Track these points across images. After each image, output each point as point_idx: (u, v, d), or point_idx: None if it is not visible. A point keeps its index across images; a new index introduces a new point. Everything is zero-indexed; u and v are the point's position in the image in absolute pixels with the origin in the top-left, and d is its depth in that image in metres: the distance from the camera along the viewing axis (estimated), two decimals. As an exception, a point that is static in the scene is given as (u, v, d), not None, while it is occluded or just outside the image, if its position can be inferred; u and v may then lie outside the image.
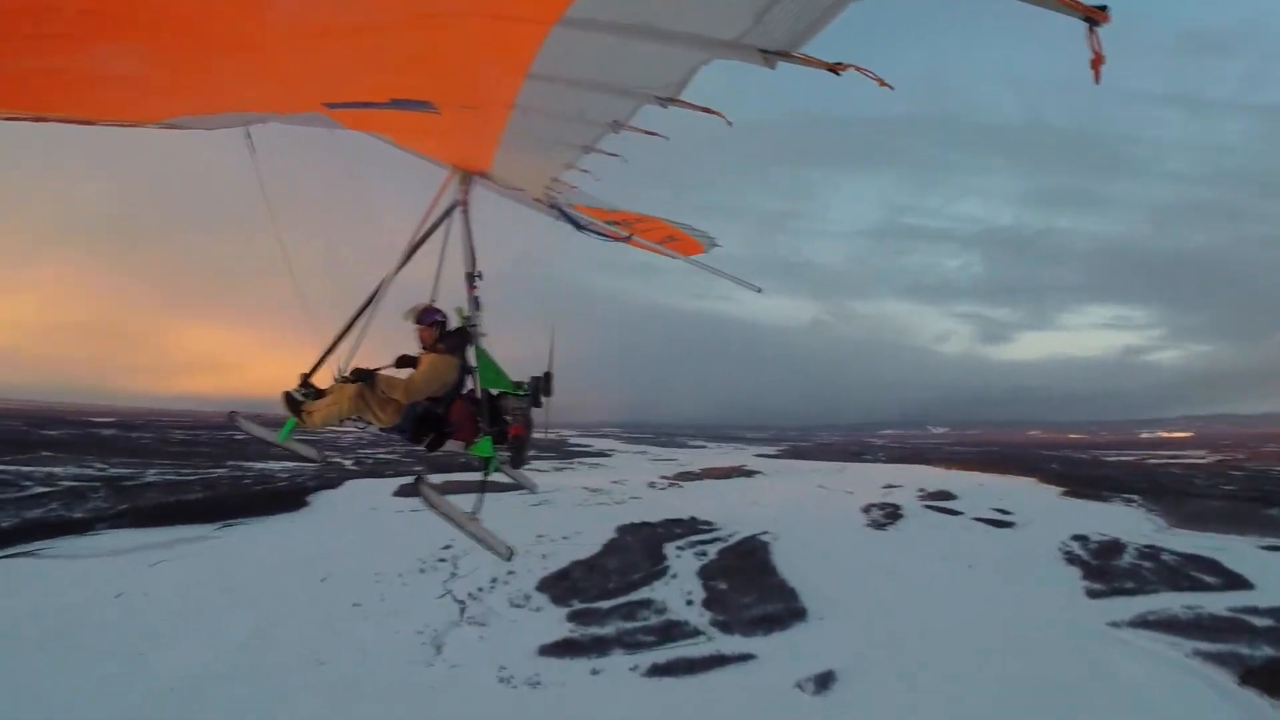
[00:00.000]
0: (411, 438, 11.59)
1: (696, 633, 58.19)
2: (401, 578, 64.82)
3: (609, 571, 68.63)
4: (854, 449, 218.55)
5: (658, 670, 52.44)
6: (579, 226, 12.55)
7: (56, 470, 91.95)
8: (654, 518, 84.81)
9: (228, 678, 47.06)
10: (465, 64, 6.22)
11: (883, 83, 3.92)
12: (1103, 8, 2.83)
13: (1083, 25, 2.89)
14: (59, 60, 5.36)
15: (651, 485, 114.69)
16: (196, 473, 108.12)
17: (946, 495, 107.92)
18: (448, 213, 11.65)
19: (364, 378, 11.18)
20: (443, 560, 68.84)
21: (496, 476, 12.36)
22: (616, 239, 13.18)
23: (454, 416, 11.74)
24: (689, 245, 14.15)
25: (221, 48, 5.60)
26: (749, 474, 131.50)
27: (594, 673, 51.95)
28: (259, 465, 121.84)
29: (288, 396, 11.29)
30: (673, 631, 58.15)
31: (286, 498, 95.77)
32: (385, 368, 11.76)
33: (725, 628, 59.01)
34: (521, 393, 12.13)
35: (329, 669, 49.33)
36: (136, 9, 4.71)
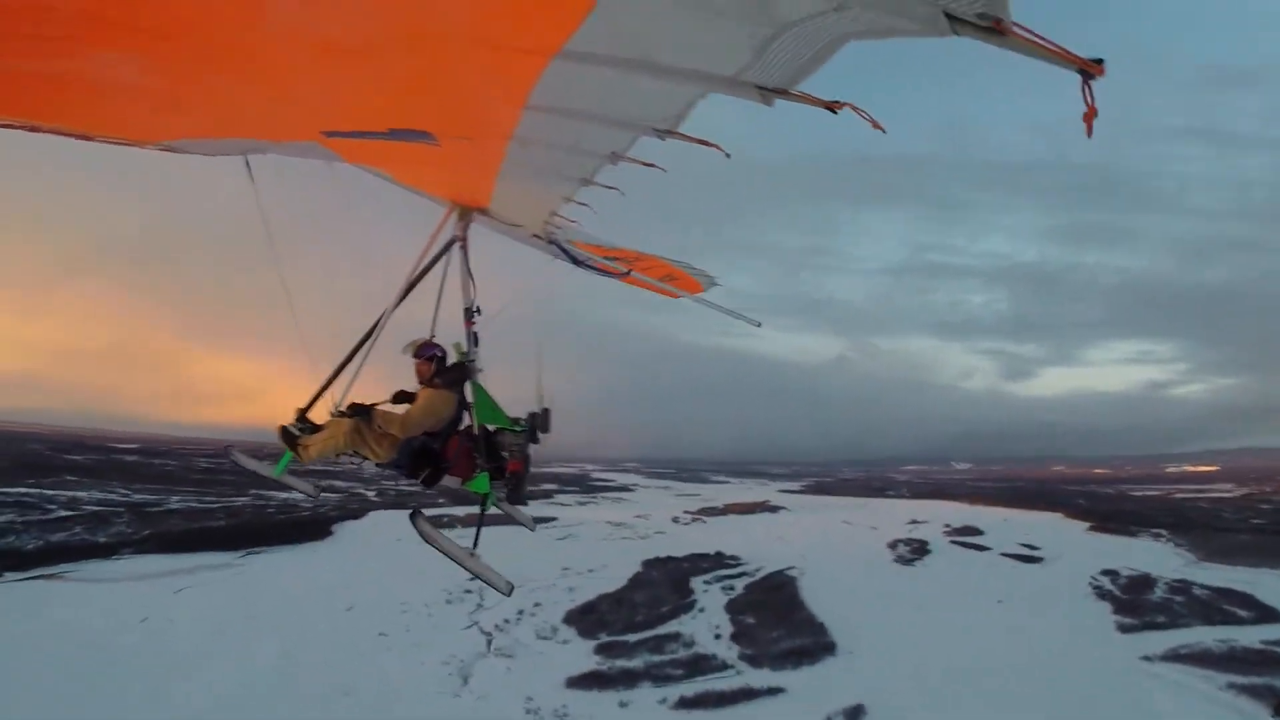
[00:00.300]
0: (408, 473, 11.36)
1: (725, 666, 57.82)
2: (428, 608, 64.43)
3: (636, 605, 68.11)
4: (877, 485, 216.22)
5: (686, 703, 52.20)
6: (577, 262, 12.33)
7: (80, 494, 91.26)
8: (679, 552, 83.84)
9: (253, 706, 46.82)
10: (464, 94, 6.19)
11: (875, 124, 3.94)
12: (1098, 61, 2.81)
13: (1077, 78, 2.85)
14: (56, 64, 5.33)
15: (675, 520, 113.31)
16: (219, 500, 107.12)
17: (973, 530, 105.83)
18: (446, 249, 11.49)
19: (360, 413, 11.00)
20: (469, 591, 68.43)
21: (492, 509, 11.82)
22: (615, 275, 13.08)
23: (451, 452, 11.50)
24: (689, 284, 14.06)
25: (221, 58, 5.54)
26: (773, 509, 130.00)
27: (622, 705, 51.73)
28: (282, 495, 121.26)
29: (284, 431, 11.08)
30: (701, 665, 57.74)
31: (310, 527, 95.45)
32: (382, 403, 11.61)
33: (754, 661, 58.54)
34: (519, 429, 11.94)
35: (355, 699, 49.05)
36: (134, 13, 4.62)
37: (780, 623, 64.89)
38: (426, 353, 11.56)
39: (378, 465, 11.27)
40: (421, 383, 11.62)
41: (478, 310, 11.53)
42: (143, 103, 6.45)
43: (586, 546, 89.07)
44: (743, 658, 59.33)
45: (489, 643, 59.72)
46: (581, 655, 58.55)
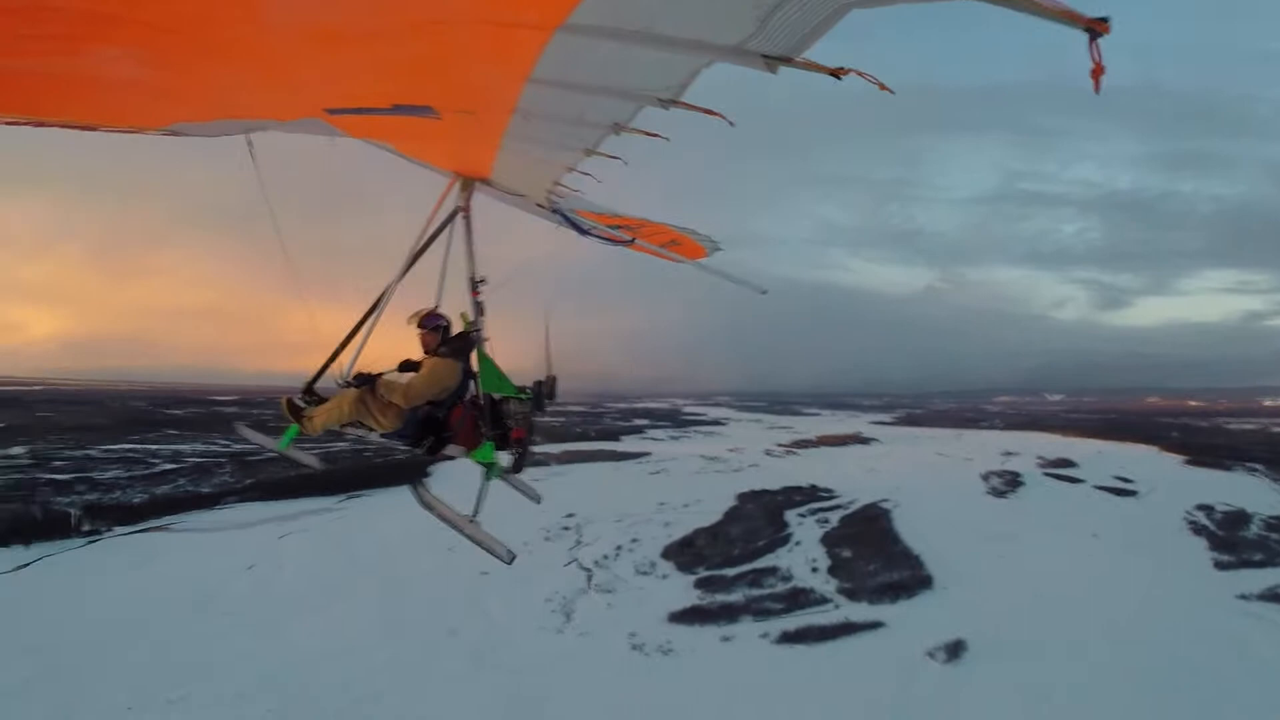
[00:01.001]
0: (412, 442, 11.72)
1: (824, 600, 57.48)
2: (527, 546, 64.79)
3: (732, 539, 68.01)
4: (969, 416, 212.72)
5: (788, 637, 51.86)
6: (582, 231, 11.82)
7: (183, 448, 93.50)
8: (773, 485, 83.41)
9: (363, 648, 47.65)
10: (467, 69, 6.15)
11: (883, 86, 3.92)
12: (1104, 19, 2.77)
13: (1084, 36, 2.83)
14: (59, 62, 5.33)
15: (768, 453, 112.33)
16: (317, 446, 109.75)
17: (1066, 463, 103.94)
18: (450, 219, 11.62)
19: (364, 382, 11.18)
20: (566, 529, 68.96)
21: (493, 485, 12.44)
22: (620, 243, 12.85)
23: (455, 421, 11.77)
24: (692, 249, 14.03)
25: (222, 51, 5.54)
26: (865, 441, 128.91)
27: (724, 640, 51.54)
28: (378, 439, 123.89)
29: (289, 404, 11.36)
30: (800, 599, 57.47)
31: (406, 470, 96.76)
32: (387, 372, 11.75)
33: (852, 595, 58.16)
34: (524, 397, 12.01)
35: (461, 638, 49.63)
36: (137, 10, 4.62)
37: (876, 556, 64.42)
38: (431, 323, 11.82)
39: (382, 435, 11.66)
40: (427, 352, 11.89)
41: (482, 279, 11.61)
42: (145, 92, 6.44)
43: (680, 481, 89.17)
44: (841, 591, 58.94)
45: (589, 579, 60.22)
46: (681, 590, 58.72)
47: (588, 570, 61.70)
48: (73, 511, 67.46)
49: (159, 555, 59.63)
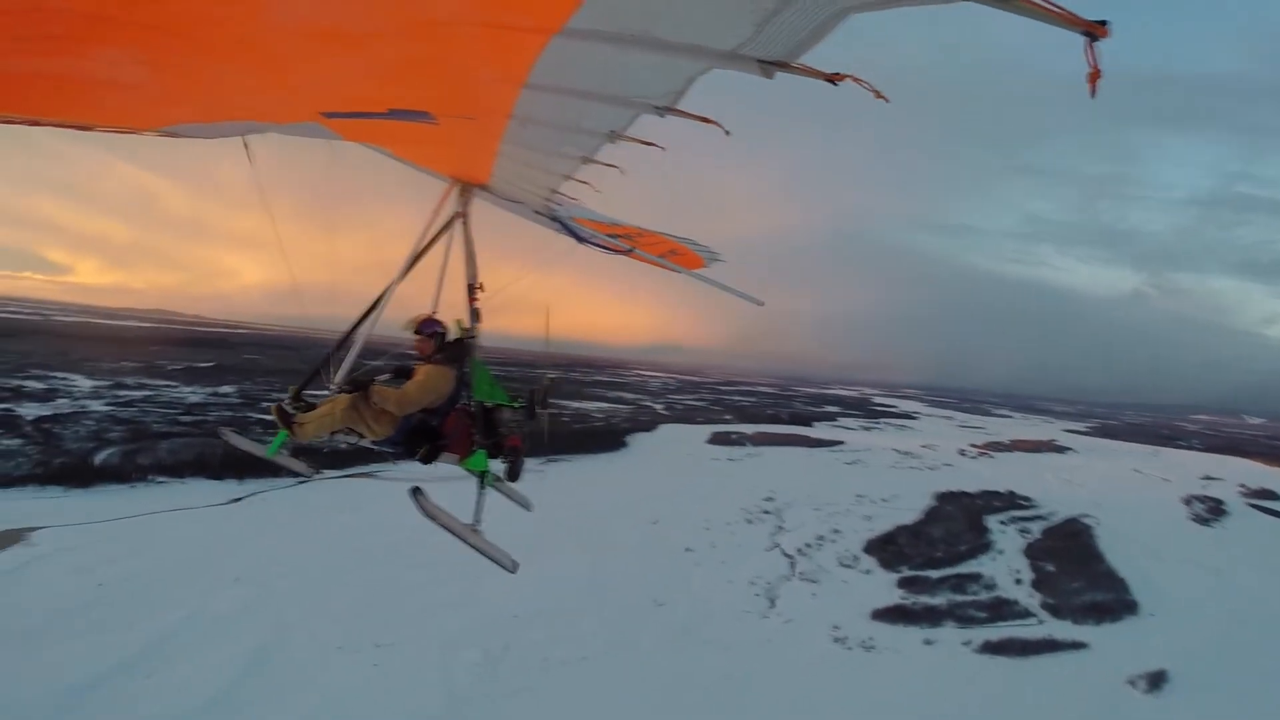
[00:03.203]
0: (405, 450, 11.10)
1: (1027, 614, 55.84)
2: (729, 526, 64.73)
3: (934, 540, 66.36)
4: (1165, 433, 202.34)
5: (990, 648, 50.72)
6: (581, 239, 11.72)
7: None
8: (971, 488, 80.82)
9: (569, 611, 47.86)
10: (463, 74, 5.86)
11: (879, 95, 3.76)
12: (1102, 22, 2.64)
13: (1081, 39, 2.69)
14: (55, 63, 5.02)
15: (962, 453, 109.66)
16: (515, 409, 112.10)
17: (1271, 495, 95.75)
18: (448, 224, 11.23)
19: (357, 388, 10.52)
20: (767, 513, 68.55)
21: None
22: (618, 252, 12.23)
23: (449, 429, 11.22)
24: (690, 259, 13.38)
25: (219, 53, 5.23)
26: (1060, 450, 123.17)
27: (927, 643, 50.64)
28: (576, 405, 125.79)
29: (279, 410, 10.72)
30: (1003, 610, 55.98)
31: (605, 437, 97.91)
32: (380, 379, 11.02)
33: (1056, 612, 56.25)
34: (517, 405, 11.72)
35: (667, 612, 49.58)
36: (135, 11, 4.29)
37: (1080, 574, 61.16)
38: (427, 329, 11.29)
39: (374, 443, 11.07)
40: (422, 359, 11.34)
41: (480, 286, 11.44)
42: (142, 94, 6.11)
43: (876, 474, 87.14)
44: (1045, 607, 56.69)
45: (792, 566, 59.39)
46: (884, 587, 57.42)
47: (790, 557, 60.76)
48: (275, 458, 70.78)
49: (365, 501, 61.52)
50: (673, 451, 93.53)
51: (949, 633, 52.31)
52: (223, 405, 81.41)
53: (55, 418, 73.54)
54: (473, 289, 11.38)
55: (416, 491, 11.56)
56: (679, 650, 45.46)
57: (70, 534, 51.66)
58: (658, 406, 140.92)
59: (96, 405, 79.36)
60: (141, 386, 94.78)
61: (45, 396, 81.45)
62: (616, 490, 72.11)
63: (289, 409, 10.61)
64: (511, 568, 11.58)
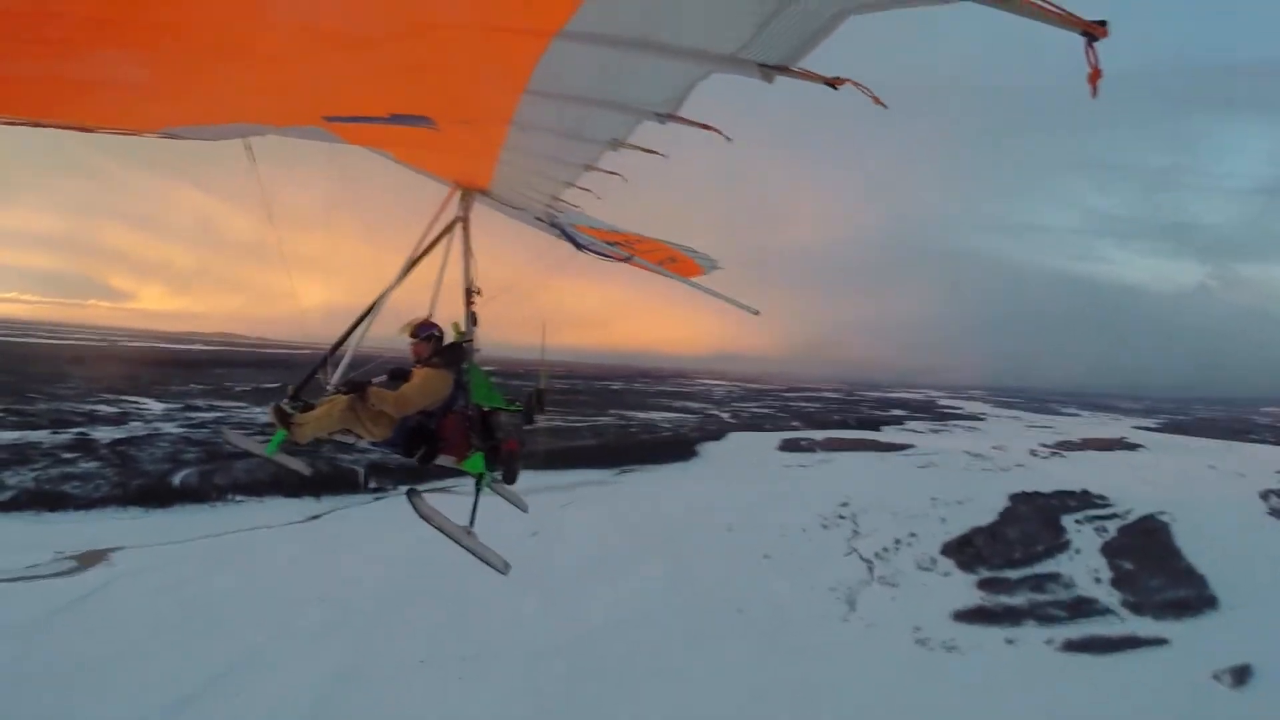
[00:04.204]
0: (403, 452, 11.15)
1: (1107, 611, 55.21)
2: (805, 533, 64.42)
3: (1011, 541, 65.59)
4: (1238, 427, 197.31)
5: (1073, 646, 50.32)
6: (579, 246, 11.88)
7: None
8: (1045, 488, 78.86)
9: (652, 621, 47.94)
10: (464, 78, 5.89)
11: (876, 100, 3.76)
12: (1101, 22, 2.69)
13: (1080, 40, 2.75)
14: (56, 66, 5.14)
15: (1033, 453, 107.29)
16: (584, 419, 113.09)
17: None
18: (448, 229, 11.33)
19: (354, 390, 10.61)
20: (842, 518, 68.04)
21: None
22: (616, 259, 12.59)
23: (446, 432, 11.28)
24: (689, 267, 13.50)
25: (220, 56, 5.34)
26: (1130, 447, 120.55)
27: (1009, 642, 50.27)
28: (642, 415, 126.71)
29: (277, 410, 10.75)
30: (1083, 608, 55.42)
31: (676, 447, 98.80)
32: (378, 380, 11.19)
33: (1136, 609, 55.49)
34: (514, 409, 11.87)
35: (748, 619, 49.47)
36: (136, 14, 4.40)
37: (1158, 571, 60.26)
38: (424, 332, 11.36)
39: (372, 444, 11.14)
40: (419, 362, 11.40)
41: (477, 291, 11.55)
42: (143, 96, 6.27)
43: (949, 476, 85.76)
44: (1125, 604, 55.96)
45: (870, 570, 59.11)
46: (963, 588, 57.05)
47: (868, 561, 60.44)
48: (359, 469, 71.22)
49: (444, 514, 61.46)
50: (744, 459, 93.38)
51: (1030, 631, 51.95)
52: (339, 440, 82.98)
53: (130, 440, 75.19)
54: (470, 293, 11.61)
55: (412, 493, 11.91)
56: (763, 658, 45.33)
57: (151, 554, 52.70)
58: (724, 415, 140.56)
59: (169, 427, 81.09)
60: (212, 408, 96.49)
61: (118, 420, 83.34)
62: (690, 499, 72.03)
63: (287, 409, 10.77)
64: (503, 569, 12.28)
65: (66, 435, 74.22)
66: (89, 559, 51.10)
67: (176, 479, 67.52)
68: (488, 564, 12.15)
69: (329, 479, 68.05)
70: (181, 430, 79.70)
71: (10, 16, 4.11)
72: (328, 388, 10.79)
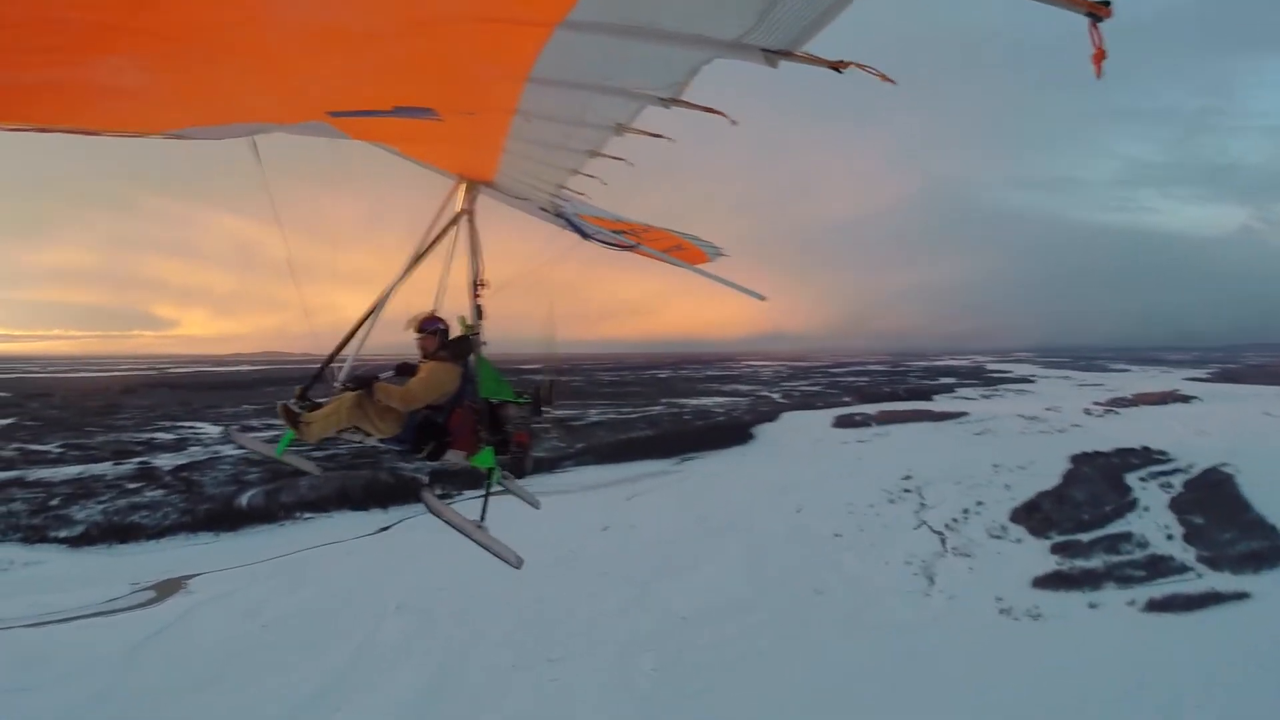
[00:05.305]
0: (411, 447, 10.84)
1: (1184, 568, 55.03)
2: (873, 508, 64.29)
3: (1078, 503, 65.23)
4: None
5: (1155, 606, 50.18)
6: (585, 235, 11.06)
7: None
8: (1104, 447, 78.53)
9: (734, 608, 47.71)
10: (467, 69, 5.75)
11: (885, 78, 3.62)
12: (1106, 3, 2.61)
13: (1085, 20, 2.67)
14: (61, 73, 4.91)
15: (1087, 412, 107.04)
16: (636, 410, 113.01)
17: None
18: (454, 222, 10.91)
19: (362, 386, 10.19)
20: (907, 491, 67.86)
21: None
22: (623, 248, 11.85)
23: (454, 426, 10.89)
24: (695, 255, 13.15)
25: (225, 56, 5.10)
26: (1184, 399, 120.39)
27: (1092, 606, 50.15)
28: (693, 401, 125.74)
29: (285, 410, 10.23)
30: (1160, 566, 55.26)
31: (731, 432, 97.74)
32: (385, 376, 10.75)
33: (1212, 564, 55.31)
34: (523, 401, 11.40)
35: (829, 599, 49.42)
36: (139, 18, 4.18)
37: (1230, 523, 60.14)
38: (430, 327, 10.90)
39: (381, 440, 10.76)
40: (425, 356, 10.96)
41: (483, 283, 10.97)
42: (148, 99, 5.96)
43: (1007, 441, 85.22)
44: (1201, 560, 55.82)
45: (943, 542, 58.95)
46: (1038, 554, 56.93)
47: (939, 533, 60.20)
48: (421, 476, 71.57)
49: (508, 519, 61.31)
50: (800, 438, 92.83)
51: (1111, 594, 51.70)
52: (347, 439, 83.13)
53: (192, 465, 75.98)
54: (477, 286, 11.07)
55: (424, 487, 11.75)
56: (848, 637, 45.24)
57: (227, 578, 53.17)
58: (775, 395, 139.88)
59: (228, 450, 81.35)
60: (268, 427, 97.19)
61: (177, 446, 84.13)
62: (753, 482, 71.82)
63: (295, 408, 10.35)
64: (516, 564, 11.61)
65: (129, 465, 75.10)
66: (166, 588, 51.66)
67: (242, 500, 68.22)
68: (500, 558, 11.54)
69: (393, 489, 68.25)
70: (241, 451, 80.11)
71: (12, 27, 3.98)
72: (335, 385, 10.52)
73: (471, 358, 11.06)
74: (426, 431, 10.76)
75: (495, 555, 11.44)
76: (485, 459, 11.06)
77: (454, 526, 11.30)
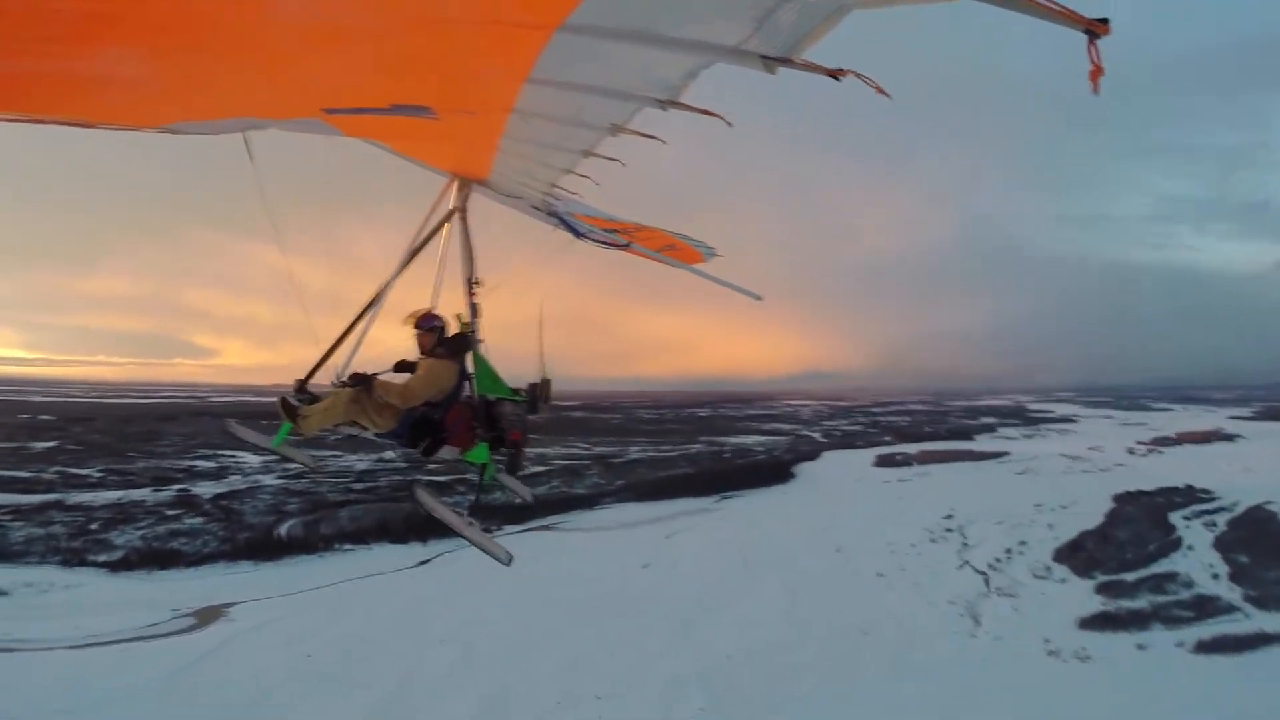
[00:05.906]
0: (408, 443, 11.02)
1: (1232, 608, 54.00)
2: (915, 548, 63.80)
3: (1122, 542, 64.45)
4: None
5: (1204, 647, 49.27)
6: (578, 234, 11.27)
7: (546, 451, 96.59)
8: (1148, 486, 77.76)
9: (781, 647, 47.09)
10: (466, 69, 5.94)
11: (880, 90, 3.75)
12: (1104, 20, 2.67)
13: (1083, 37, 2.72)
14: (58, 63, 5.00)
15: (1130, 451, 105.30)
16: (675, 448, 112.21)
17: None
18: (446, 219, 11.22)
19: (360, 382, 10.40)
20: (949, 530, 67.35)
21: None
22: (615, 247, 12.07)
23: (451, 422, 11.06)
24: (688, 254, 13.27)
25: (221, 51, 5.27)
26: (1228, 438, 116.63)
27: (1140, 647, 49.44)
28: (733, 440, 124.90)
29: (283, 403, 10.29)
30: (1207, 607, 54.23)
31: (771, 470, 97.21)
32: (383, 373, 10.93)
33: (1259, 603, 54.16)
34: (519, 399, 11.57)
35: (874, 640, 48.75)
36: (136, 10, 4.33)
37: (1275, 562, 58.84)
38: (427, 324, 11.19)
39: (377, 435, 10.91)
40: (423, 353, 11.22)
41: (478, 281, 11.43)
42: (143, 92, 6.16)
43: (1049, 481, 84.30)
44: (1248, 600, 54.58)
45: (987, 582, 58.26)
46: (1083, 595, 55.98)
47: (983, 573, 59.56)
48: (462, 511, 71.95)
49: (548, 554, 61.34)
50: (841, 478, 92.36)
51: (1159, 635, 50.93)
52: (390, 470, 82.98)
53: (232, 494, 76.02)
54: (471, 284, 11.54)
55: (416, 484, 11.89)
56: (896, 678, 44.71)
57: (268, 607, 53.12)
58: (815, 434, 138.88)
59: (268, 479, 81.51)
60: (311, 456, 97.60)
61: (217, 475, 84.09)
62: (794, 521, 71.45)
63: (293, 402, 10.49)
64: (506, 561, 11.85)
65: (168, 492, 75.33)
66: (206, 616, 51.71)
67: (282, 530, 68.47)
68: (490, 554, 11.84)
69: (433, 522, 68.31)
70: (280, 481, 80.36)
71: (9, 15, 4.08)
72: (333, 381, 10.72)
73: (469, 355, 11.35)
74: (422, 427, 10.99)
75: (485, 551, 11.79)
76: (480, 454, 11.37)
77: (445, 522, 11.63)
